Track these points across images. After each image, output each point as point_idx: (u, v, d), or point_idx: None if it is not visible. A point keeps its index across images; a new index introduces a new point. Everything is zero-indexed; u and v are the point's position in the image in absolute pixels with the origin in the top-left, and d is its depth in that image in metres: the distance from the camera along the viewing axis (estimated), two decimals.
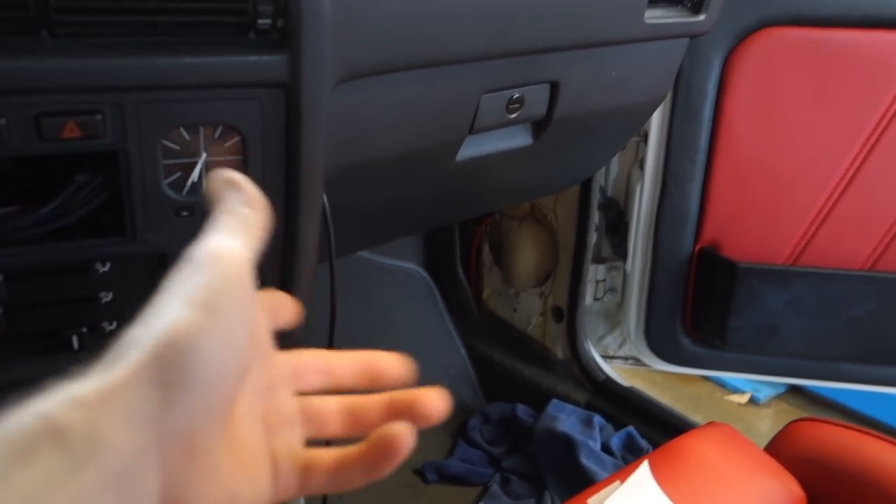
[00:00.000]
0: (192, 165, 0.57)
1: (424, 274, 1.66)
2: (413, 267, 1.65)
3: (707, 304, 1.29)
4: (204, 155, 0.57)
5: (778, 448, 0.93)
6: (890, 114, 1.12)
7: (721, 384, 2.32)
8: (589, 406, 1.46)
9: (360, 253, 1.55)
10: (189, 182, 0.57)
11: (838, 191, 1.18)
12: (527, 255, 1.49)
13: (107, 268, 0.58)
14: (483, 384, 1.63)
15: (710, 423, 0.99)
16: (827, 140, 1.15)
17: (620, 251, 1.42)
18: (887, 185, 1.16)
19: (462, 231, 1.64)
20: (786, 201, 1.20)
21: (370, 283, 1.56)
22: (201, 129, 0.56)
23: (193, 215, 0.58)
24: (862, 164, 1.15)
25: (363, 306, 1.53)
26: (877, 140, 1.14)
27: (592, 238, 1.40)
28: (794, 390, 2.31)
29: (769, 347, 1.27)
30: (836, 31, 1.10)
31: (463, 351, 1.64)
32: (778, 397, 2.30)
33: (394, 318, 1.58)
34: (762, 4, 1.11)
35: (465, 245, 1.65)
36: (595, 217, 1.38)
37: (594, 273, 1.47)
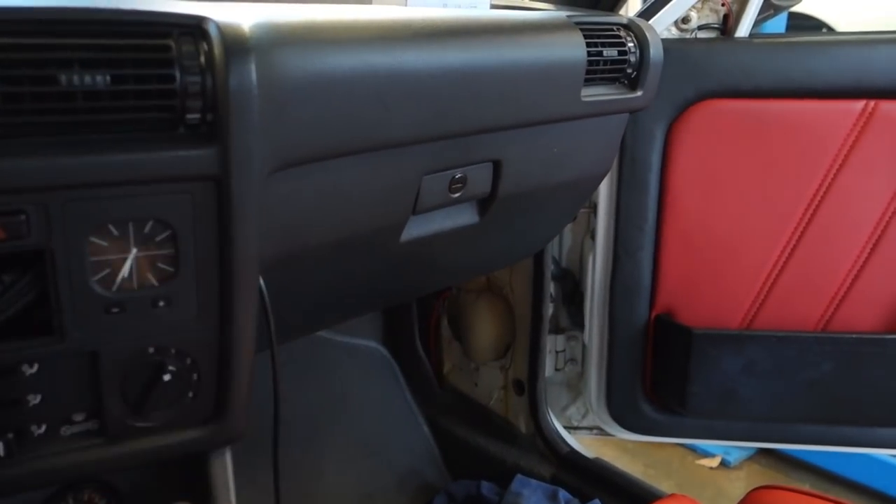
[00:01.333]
0: (122, 261, 0.56)
1: (384, 351, 1.64)
2: (372, 344, 1.63)
3: (666, 371, 1.29)
4: (134, 250, 0.56)
5: None
6: (829, 179, 1.15)
7: (692, 448, 2.31)
8: (554, 480, 1.43)
9: (317, 332, 1.53)
10: (119, 278, 0.56)
11: (785, 255, 1.20)
12: (485, 328, 1.48)
13: (35, 369, 0.57)
14: (447, 462, 1.60)
15: (672, 496, 0.98)
16: (770, 206, 1.18)
17: (578, 321, 1.42)
18: (831, 248, 1.18)
19: (420, 306, 1.63)
20: (735, 267, 1.22)
21: (328, 362, 1.54)
22: (130, 225, 0.56)
23: (124, 311, 0.57)
24: (806, 228, 1.18)
25: (322, 386, 1.51)
26: (818, 205, 1.17)
27: (549, 309, 1.40)
28: (764, 451, 2.31)
29: (729, 411, 1.26)
30: (771, 102, 1.14)
31: (426, 428, 1.62)
32: (749, 459, 2.29)
33: (354, 398, 1.55)
34: (699, 78, 1.14)
35: (424, 320, 1.64)
36: (550, 288, 1.39)
37: (553, 344, 1.46)
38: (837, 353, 1.20)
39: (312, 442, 1.45)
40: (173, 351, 0.61)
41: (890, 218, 1.16)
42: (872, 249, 1.18)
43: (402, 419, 1.60)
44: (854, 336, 1.18)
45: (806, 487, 2.15)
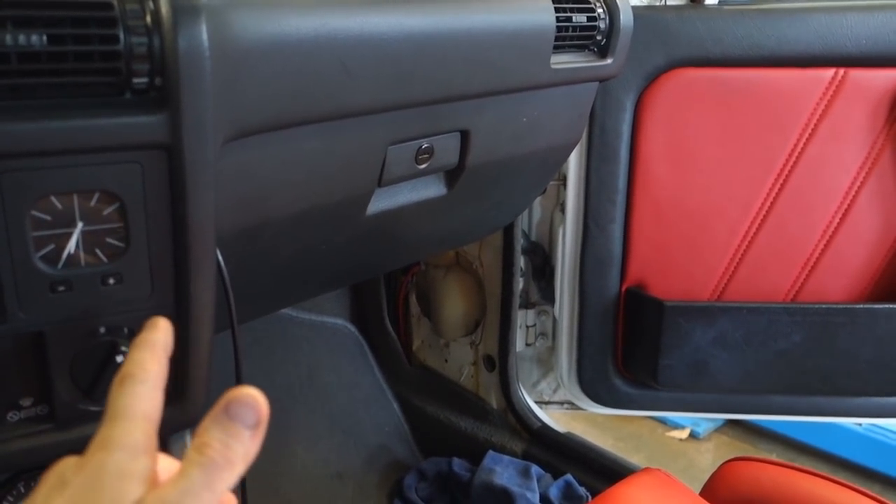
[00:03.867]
0: (68, 236, 0.53)
1: (352, 328, 1.62)
2: (340, 322, 1.61)
3: (637, 344, 1.28)
4: (80, 224, 0.53)
5: (712, 491, 0.92)
6: (799, 148, 1.14)
7: (662, 421, 2.33)
8: (526, 455, 1.43)
9: (283, 310, 1.50)
10: (65, 254, 0.53)
11: (755, 225, 1.19)
12: (454, 304, 1.46)
13: None
14: (418, 439, 1.58)
15: (646, 470, 0.97)
16: (740, 176, 1.17)
17: (548, 295, 1.41)
18: (801, 218, 1.17)
19: (388, 282, 1.61)
20: (706, 238, 1.21)
21: (295, 340, 1.51)
22: (75, 197, 0.52)
23: (71, 290, 0.54)
24: (776, 198, 1.17)
25: (289, 365, 1.48)
26: (788, 174, 1.16)
27: (519, 284, 1.39)
28: (732, 423, 2.33)
29: (701, 384, 1.26)
30: (742, 71, 1.12)
31: (396, 406, 1.60)
32: (717, 430, 2.32)
33: (322, 377, 1.53)
34: (669, 46, 1.12)
35: (392, 296, 1.62)
36: (520, 262, 1.37)
37: (524, 318, 1.45)
38: (807, 324, 1.19)
39: (280, 422, 1.42)
40: (126, 330, 0.58)
41: (860, 187, 1.16)
42: (842, 219, 1.17)
43: (371, 397, 1.58)
44: (824, 306, 1.18)
45: (773, 457, 2.17)
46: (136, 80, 0.51)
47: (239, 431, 0.38)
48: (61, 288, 0.53)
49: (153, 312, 0.57)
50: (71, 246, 0.53)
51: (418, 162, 0.83)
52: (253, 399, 0.39)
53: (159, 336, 0.45)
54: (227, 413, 0.38)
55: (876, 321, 1.18)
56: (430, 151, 0.83)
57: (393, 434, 1.56)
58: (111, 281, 0.55)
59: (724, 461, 0.98)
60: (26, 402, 0.57)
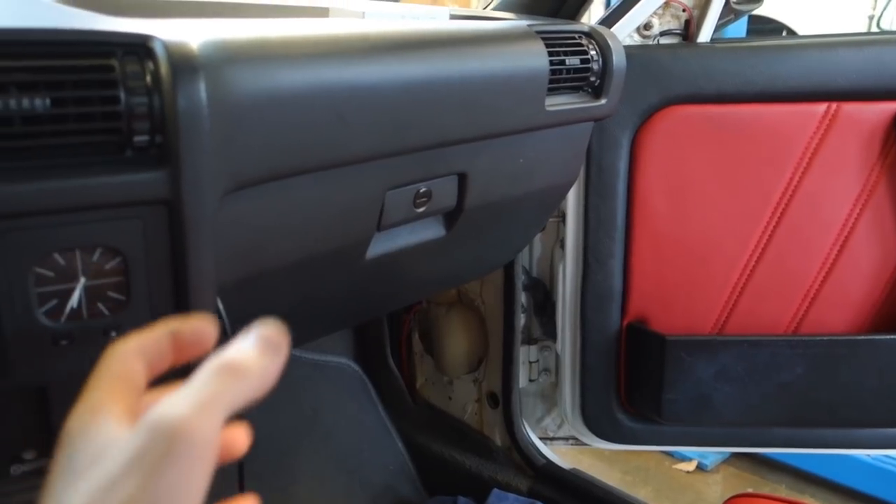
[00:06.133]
0: (70, 291, 0.54)
1: (355, 367, 1.62)
2: (343, 360, 1.61)
3: (640, 379, 1.28)
4: (82, 279, 0.54)
5: None
6: (794, 182, 1.15)
7: (669, 453, 2.32)
8: (532, 493, 1.42)
9: None
10: (67, 308, 0.54)
11: (754, 259, 1.19)
12: (457, 341, 1.46)
13: None
14: (423, 478, 1.58)
15: None
16: (738, 210, 1.18)
17: (550, 331, 1.41)
18: (800, 251, 1.18)
19: (391, 320, 1.61)
20: (705, 272, 1.21)
21: (298, 380, 1.51)
22: (78, 253, 0.53)
23: (73, 343, 0.55)
24: (774, 231, 1.18)
25: (292, 405, 1.48)
26: (785, 207, 1.17)
27: (521, 320, 1.39)
28: (740, 454, 2.32)
29: (705, 418, 1.26)
30: (736, 107, 1.14)
31: (400, 444, 1.59)
32: (725, 462, 2.30)
33: (325, 416, 1.53)
34: (663, 84, 1.14)
35: (395, 334, 1.62)
36: (521, 299, 1.37)
37: (527, 354, 1.45)
38: (809, 356, 1.20)
39: (284, 462, 1.42)
40: None
41: (856, 218, 1.16)
42: (840, 250, 1.18)
43: (375, 436, 1.58)
44: (825, 338, 1.18)
45: (782, 489, 2.16)
46: (136, 139, 0.52)
47: (259, 344, 0.38)
48: (64, 342, 0.54)
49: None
50: (73, 300, 0.54)
51: (417, 205, 0.84)
52: (275, 327, 0.39)
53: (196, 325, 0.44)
54: (246, 334, 0.38)
55: (878, 352, 1.18)
56: (428, 195, 0.84)
57: (397, 473, 1.56)
58: (113, 333, 0.56)
59: (730, 496, 0.98)
60: (29, 455, 0.57)
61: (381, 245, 0.85)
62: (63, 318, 0.54)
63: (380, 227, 0.81)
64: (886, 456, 2.04)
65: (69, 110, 0.49)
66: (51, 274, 0.52)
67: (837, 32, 1.17)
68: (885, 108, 1.12)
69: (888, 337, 1.17)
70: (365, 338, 1.64)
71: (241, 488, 0.71)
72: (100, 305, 0.55)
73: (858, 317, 1.21)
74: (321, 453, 1.47)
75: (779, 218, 1.17)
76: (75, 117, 0.50)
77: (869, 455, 2.05)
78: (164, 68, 0.52)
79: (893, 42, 1.12)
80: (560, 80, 0.90)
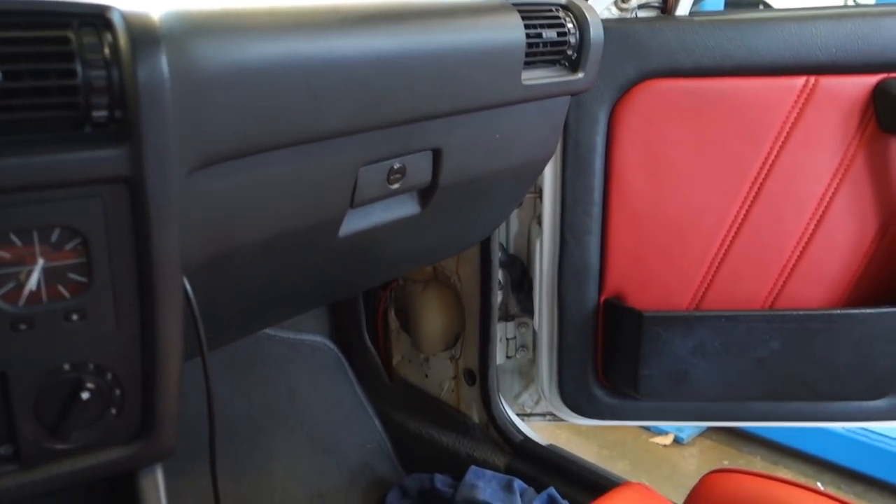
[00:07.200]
0: (28, 273, 0.52)
1: (331, 345, 1.60)
2: (319, 339, 1.59)
3: (617, 355, 1.28)
4: (41, 261, 0.52)
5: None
6: (772, 156, 1.15)
7: (645, 427, 2.33)
8: (509, 469, 1.42)
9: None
10: (25, 292, 0.52)
11: (731, 234, 1.19)
12: (433, 318, 1.45)
13: None
14: (400, 455, 1.57)
15: (627, 484, 0.96)
16: (715, 185, 1.17)
17: (527, 307, 1.40)
18: (776, 226, 1.18)
19: (366, 298, 1.60)
20: (682, 248, 1.21)
21: (273, 359, 1.50)
22: (35, 234, 0.51)
23: (33, 327, 0.53)
24: (751, 206, 1.17)
25: (268, 385, 1.47)
26: (762, 182, 1.16)
27: (497, 297, 1.38)
28: (716, 428, 2.33)
29: (681, 393, 1.26)
30: (714, 81, 1.12)
31: (377, 422, 1.59)
32: (701, 436, 2.32)
33: (301, 395, 1.52)
34: (641, 58, 1.12)
35: (371, 312, 1.61)
36: (498, 276, 1.36)
37: (504, 331, 1.44)
38: (786, 331, 1.20)
39: (260, 442, 1.41)
40: (91, 366, 0.56)
41: (834, 193, 1.16)
42: (817, 225, 1.18)
43: (352, 414, 1.57)
44: (801, 313, 1.18)
45: (757, 461, 2.18)
46: (95, 114, 0.50)
47: None
48: (23, 326, 0.52)
49: (118, 347, 0.57)
50: (32, 283, 0.52)
51: (391, 182, 0.82)
52: None
53: None
54: None
55: (853, 326, 1.18)
56: (402, 171, 0.82)
57: (374, 451, 1.55)
58: (74, 317, 0.54)
59: (706, 471, 0.98)
60: None
61: (355, 222, 0.83)
62: (21, 302, 0.52)
63: (353, 204, 0.80)
64: (860, 428, 2.07)
65: (23, 84, 0.47)
66: (7, 255, 0.50)
67: (816, 6, 1.16)
68: (863, 82, 1.11)
69: (863, 311, 1.18)
70: (340, 316, 1.62)
71: (214, 474, 0.69)
72: (60, 288, 0.53)
73: (834, 291, 1.22)
74: (297, 432, 1.46)
75: (756, 193, 1.17)
76: (30, 91, 0.48)
77: (843, 427, 2.07)
78: (123, 40, 0.50)
79: (872, 15, 1.11)
80: (536, 53, 0.88)
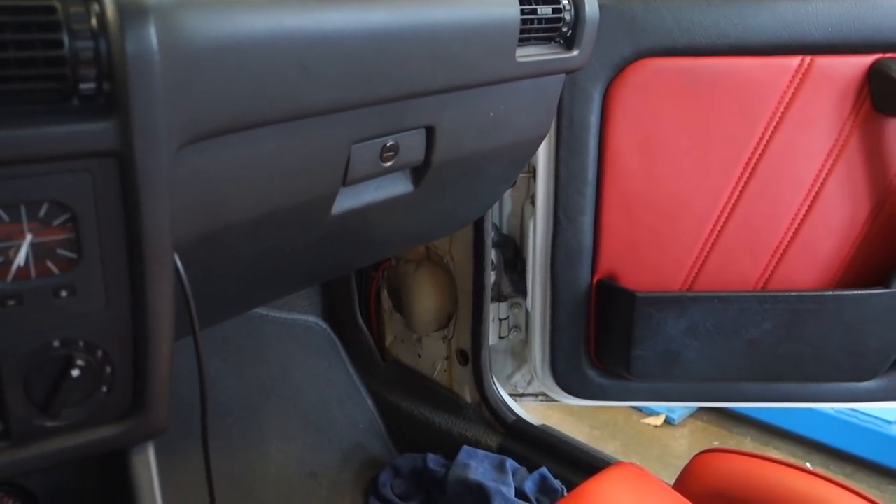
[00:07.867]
0: (17, 248, 0.51)
1: (323, 325, 1.60)
2: (311, 319, 1.59)
3: (609, 336, 1.28)
4: (29, 236, 0.51)
5: (684, 484, 0.92)
6: (766, 136, 1.14)
7: (637, 408, 2.34)
8: (501, 449, 1.42)
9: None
10: (14, 267, 0.51)
11: (724, 215, 1.19)
12: (426, 298, 1.45)
13: None
14: (392, 435, 1.57)
15: (619, 464, 0.97)
16: (709, 165, 1.16)
17: (520, 288, 1.40)
18: (770, 207, 1.18)
19: (359, 278, 1.59)
20: (676, 228, 1.20)
21: (266, 339, 1.49)
22: (23, 208, 0.50)
23: (22, 304, 0.52)
24: (745, 187, 1.17)
25: (260, 365, 1.46)
26: (756, 163, 1.16)
27: (490, 277, 1.38)
28: (707, 408, 2.35)
29: (673, 374, 1.26)
30: (709, 60, 1.12)
31: (369, 402, 1.59)
32: (692, 416, 2.33)
33: (294, 375, 1.51)
34: (636, 36, 1.12)
35: (364, 292, 1.60)
36: (491, 256, 1.36)
37: (497, 311, 1.44)
38: (778, 312, 1.20)
39: (252, 422, 1.41)
40: (82, 343, 0.56)
41: (827, 174, 1.16)
42: (810, 206, 1.18)
43: (344, 394, 1.57)
44: (794, 294, 1.18)
45: (747, 441, 2.19)
46: (82, 86, 0.49)
47: None
48: (11, 302, 0.52)
49: (109, 324, 0.56)
50: (20, 258, 0.51)
51: (383, 160, 0.81)
52: None
53: None
54: None
55: (845, 307, 1.18)
56: (395, 149, 0.82)
57: (367, 431, 1.55)
58: (64, 293, 0.54)
59: (697, 452, 0.99)
60: None
61: (347, 200, 0.82)
62: (9, 278, 0.51)
63: (345, 182, 0.79)
64: (849, 409, 2.08)
65: (8, 55, 0.46)
66: None
67: None
68: (858, 62, 1.11)
69: (855, 293, 1.18)
70: (333, 296, 1.62)
71: (206, 454, 0.69)
72: (49, 263, 0.52)
73: (827, 273, 1.22)
74: (290, 412, 1.46)
75: (750, 173, 1.17)
76: (15, 62, 0.47)
77: (832, 408, 2.09)
78: (110, 10, 0.49)
79: None
80: (531, 30, 0.87)
